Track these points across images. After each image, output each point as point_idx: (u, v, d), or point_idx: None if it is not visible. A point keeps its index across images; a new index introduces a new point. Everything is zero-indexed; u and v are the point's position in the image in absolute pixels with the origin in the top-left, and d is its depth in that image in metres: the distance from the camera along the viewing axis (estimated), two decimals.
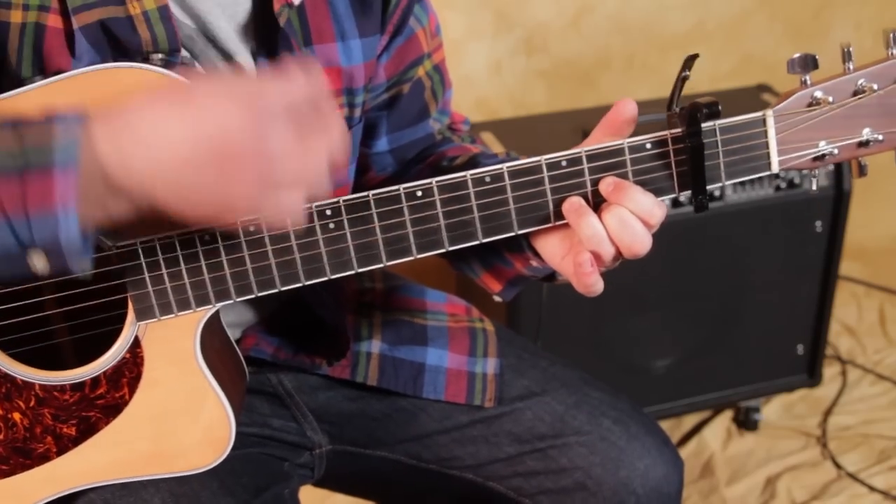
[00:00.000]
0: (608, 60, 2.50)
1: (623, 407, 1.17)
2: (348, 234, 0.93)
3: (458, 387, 1.17)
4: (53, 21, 0.93)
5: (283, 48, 1.01)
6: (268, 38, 1.01)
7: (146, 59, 0.95)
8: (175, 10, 0.97)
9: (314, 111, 0.81)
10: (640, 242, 0.91)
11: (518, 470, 1.15)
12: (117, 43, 0.94)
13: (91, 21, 0.93)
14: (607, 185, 0.92)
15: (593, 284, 0.93)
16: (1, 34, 0.92)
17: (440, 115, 1.21)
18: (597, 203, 0.93)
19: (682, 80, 0.92)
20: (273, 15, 0.99)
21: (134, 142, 0.77)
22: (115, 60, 0.94)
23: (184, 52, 0.98)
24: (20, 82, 0.92)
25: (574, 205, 0.93)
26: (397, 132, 1.18)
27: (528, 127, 2.10)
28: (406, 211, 0.93)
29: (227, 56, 1.01)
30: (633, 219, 0.91)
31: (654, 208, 0.92)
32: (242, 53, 1.02)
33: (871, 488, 2.01)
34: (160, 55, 0.95)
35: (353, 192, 1.15)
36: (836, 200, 1.94)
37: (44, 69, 0.93)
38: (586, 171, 0.93)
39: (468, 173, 0.92)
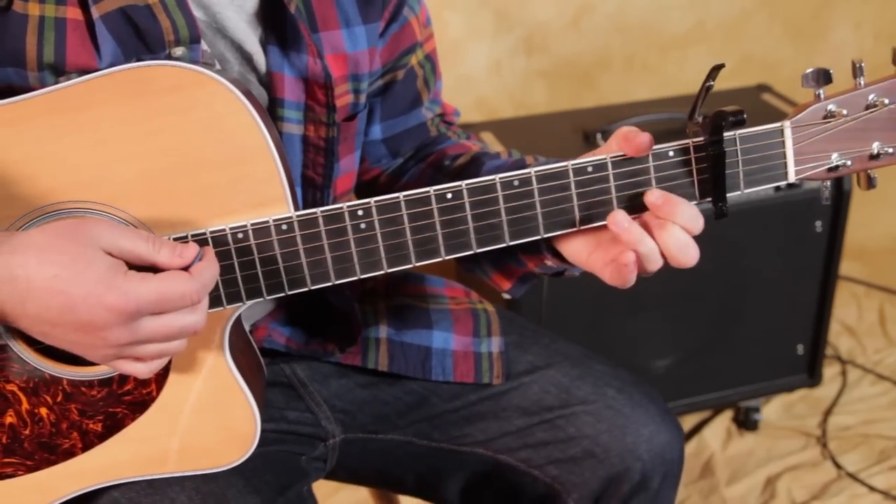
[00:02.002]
0: (608, 60, 2.50)
1: (624, 377, 1.19)
2: (379, 235, 0.95)
3: (465, 367, 1.19)
4: (73, 13, 0.94)
5: (292, 36, 1.02)
6: (276, 26, 1.03)
7: (169, 55, 0.96)
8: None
9: (190, 302, 0.86)
10: (691, 255, 0.94)
11: (527, 441, 1.16)
12: (139, 32, 0.95)
13: (112, 9, 0.94)
14: (656, 198, 0.94)
15: (632, 281, 0.95)
16: (19, 26, 0.93)
17: (432, 105, 1.23)
18: (625, 207, 0.96)
19: (706, 90, 0.93)
20: (281, 3, 1.01)
21: (10, 288, 0.83)
22: (138, 51, 0.95)
23: (203, 46, 0.99)
24: (42, 73, 0.93)
25: (622, 224, 0.93)
26: (390, 120, 1.19)
27: (528, 127, 2.11)
28: (436, 213, 0.94)
29: (237, 46, 1.03)
30: (684, 235, 0.93)
31: (699, 218, 0.94)
32: (251, 43, 1.03)
33: (871, 488, 2.01)
34: (181, 48, 0.96)
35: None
36: (836, 200, 1.94)
37: (65, 62, 0.94)
38: (611, 178, 0.95)
39: (497, 177, 0.94)
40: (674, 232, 0.93)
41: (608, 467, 1.13)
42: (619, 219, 0.94)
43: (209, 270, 0.88)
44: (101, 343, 0.85)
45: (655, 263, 0.94)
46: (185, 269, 0.87)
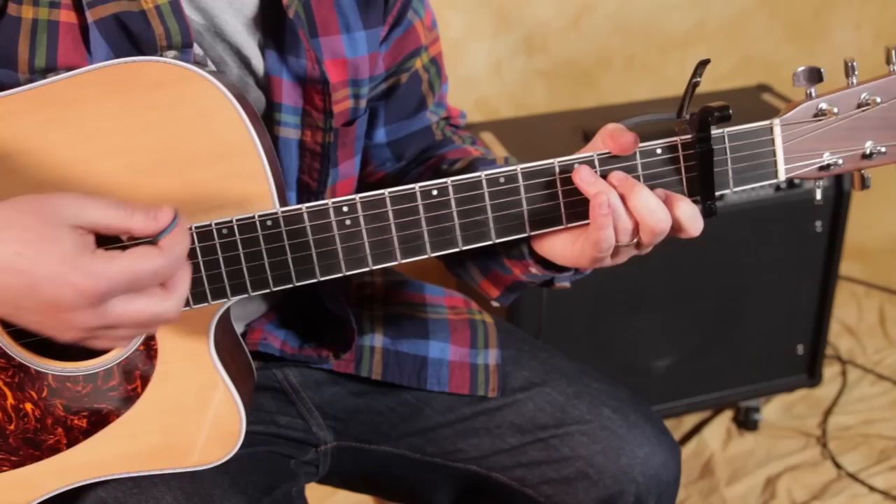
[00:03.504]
0: (608, 60, 2.50)
1: (622, 396, 1.18)
2: (364, 231, 0.94)
3: (461, 378, 1.18)
4: (66, 17, 0.94)
5: (291, 40, 1.02)
6: (275, 30, 1.03)
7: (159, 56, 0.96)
8: (184, 6, 0.98)
9: (162, 279, 0.82)
10: (661, 219, 0.91)
11: (521, 460, 1.16)
12: (132, 37, 0.95)
13: (105, 15, 0.94)
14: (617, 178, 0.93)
15: (610, 237, 0.92)
16: (12, 29, 0.93)
17: (437, 108, 1.22)
18: None
19: (693, 87, 0.93)
20: (280, 7, 1.01)
21: None
22: (131, 55, 0.95)
23: (196, 49, 0.99)
24: (33, 76, 0.93)
25: (588, 178, 0.92)
26: (395, 123, 1.19)
27: (528, 127, 2.10)
28: (421, 209, 0.94)
29: (235, 50, 1.03)
30: (654, 199, 0.91)
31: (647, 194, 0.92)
32: (250, 46, 1.03)
33: (871, 488, 2.01)
34: (173, 52, 0.96)
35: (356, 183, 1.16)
36: (836, 200, 1.94)
37: (56, 64, 0.94)
38: (598, 174, 0.94)
39: (483, 173, 0.94)
40: (642, 193, 0.91)
41: (602, 489, 1.12)
42: (584, 173, 0.93)
43: (180, 243, 0.83)
44: (68, 326, 0.81)
45: (624, 228, 0.92)
46: (155, 241, 0.83)
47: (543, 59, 2.45)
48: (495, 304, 1.12)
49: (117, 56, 0.95)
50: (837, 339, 2.42)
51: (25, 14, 0.93)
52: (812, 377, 2.12)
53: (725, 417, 2.21)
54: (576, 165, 0.94)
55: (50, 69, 0.94)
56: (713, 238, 1.91)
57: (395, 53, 1.14)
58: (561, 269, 1.03)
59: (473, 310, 1.27)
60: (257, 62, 1.04)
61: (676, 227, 0.93)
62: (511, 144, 1.96)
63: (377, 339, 1.19)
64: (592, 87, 2.51)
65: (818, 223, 1.96)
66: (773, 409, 2.23)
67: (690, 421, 2.21)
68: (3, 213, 0.79)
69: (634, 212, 0.92)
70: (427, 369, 1.18)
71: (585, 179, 0.93)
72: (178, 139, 0.92)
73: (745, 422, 2.17)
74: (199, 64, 0.98)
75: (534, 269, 1.03)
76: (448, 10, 2.30)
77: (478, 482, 1.18)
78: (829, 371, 2.30)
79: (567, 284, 1.07)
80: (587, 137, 1.95)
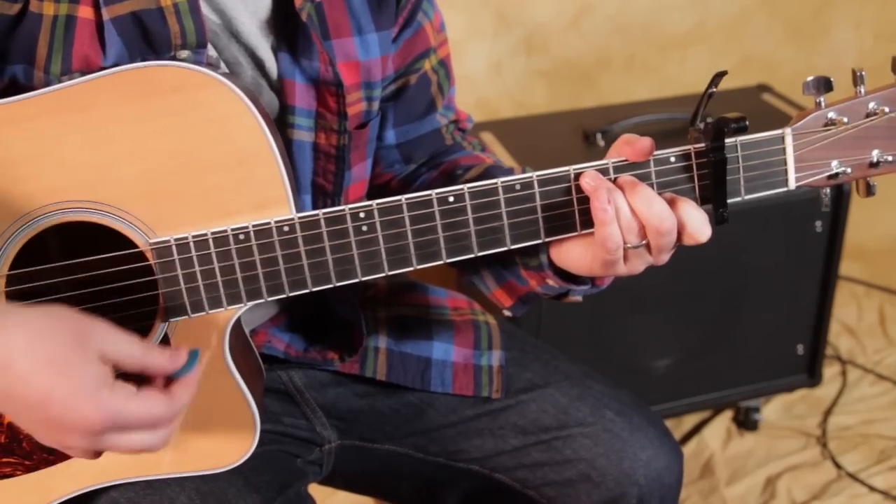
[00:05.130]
0: (608, 60, 2.50)
1: (625, 399, 1.18)
2: (380, 237, 0.95)
3: (465, 379, 1.18)
4: (84, 13, 0.94)
5: (303, 43, 1.02)
6: (288, 32, 1.03)
7: (173, 58, 0.96)
8: (202, 5, 0.98)
9: (158, 425, 0.85)
10: (665, 217, 0.92)
11: (523, 462, 1.16)
12: (147, 35, 0.95)
13: (123, 12, 0.94)
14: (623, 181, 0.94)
15: (615, 235, 0.92)
16: (34, 26, 0.93)
17: (446, 111, 1.22)
18: None
19: (708, 97, 0.94)
20: (293, 10, 1.01)
21: None
22: (144, 52, 0.95)
23: (210, 51, 0.99)
24: (48, 75, 0.93)
25: (593, 182, 0.93)
26: (405, 125, 1.19)
27: (528, 127, 2.10)
28: (438, 215, 0.94)
29: (250, 52, 1.03)
30: (658, 199, 0.92)
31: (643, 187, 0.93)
32: (264, 49, 1.03)
33: (871, 488, 2.01)
34: (186, 52, 0.96)
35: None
36: (836, 200, 1.94)
37: (72, 59, 0.94)
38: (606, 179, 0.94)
39: (499, 180, 0.94)
40: (644, 191, 0.92)
41: (604, 491, 1.13)
42: (588, 175, 0.93)
43: (188, 392, 0.87)
44: (57, 440, 0.83)
45: (629, 227, 0.92)
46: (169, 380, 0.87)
47: (543, 59, 2.45)
48: (507, 313, 1.12)
49: (130, 53, 0.95)
50: (837, 339, 2.42)
51: (47, 11, 0.93)
52: (812, 377, 2.12)
53: (725, 417, 2.21)
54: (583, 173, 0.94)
55: (66, 64, 0.94)
56: (713, 238, 1.90)
57: (405, 54, 1.14)
58: (577, 282, 1.03)
59: (476, 311, 1.28)
60: (271, 65, 1.04)
61: (681, 228, 0.93)
62: (511, 144, 1.96)
63: (381, 341, 1.19)
64: (592, 87, 2.51)
65: (818, 223, 1.96)
66: (773, 409, 2.23)
67: (690, 421, 2.21)
68: (41, 323, 0.81)
69: (636, 209, 0.92)
70: (431, 370, 1.18)
71: (589, 182, 0.94)
72: (194, 144, 0.92)
73: (745, 422, 2.17)
74: (212, 66, 0.98)
75: (551, 281, 1.03)
76: (448, 10, 2.29)
77: (480, 483, 1.18)
78: (829, 371, 2.30)
79: (579, 299, 1.07)
80: (587, 137, 1.96)
